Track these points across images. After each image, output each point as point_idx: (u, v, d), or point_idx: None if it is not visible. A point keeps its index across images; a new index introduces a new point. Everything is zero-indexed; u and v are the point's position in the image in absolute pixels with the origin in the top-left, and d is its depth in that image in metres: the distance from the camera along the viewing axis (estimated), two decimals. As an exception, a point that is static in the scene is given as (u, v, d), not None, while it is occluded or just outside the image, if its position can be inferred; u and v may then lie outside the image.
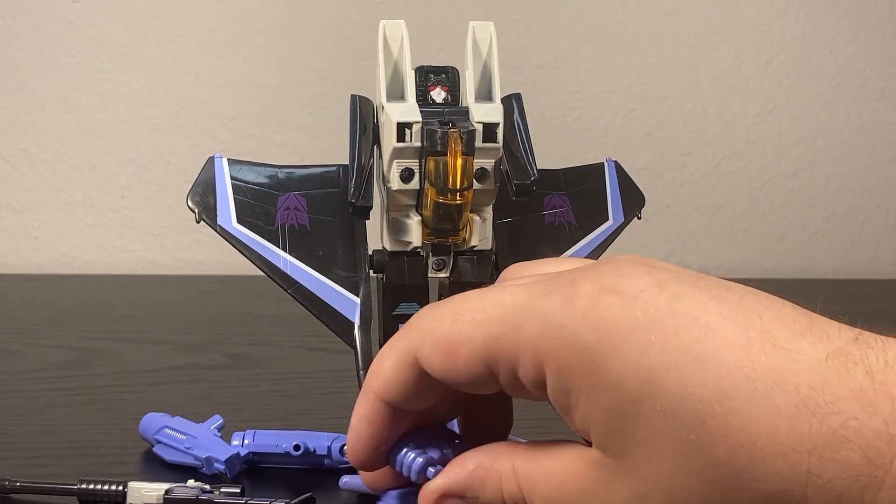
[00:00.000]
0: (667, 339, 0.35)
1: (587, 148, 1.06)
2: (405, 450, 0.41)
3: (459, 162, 0.50)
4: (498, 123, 0.51)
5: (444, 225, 0.52)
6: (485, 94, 0.53)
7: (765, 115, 1.10)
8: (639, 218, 0.59)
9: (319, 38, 1.02)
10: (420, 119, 0.51)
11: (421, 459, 0.41)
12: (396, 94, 0.53)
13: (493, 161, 0.52)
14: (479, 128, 0.51)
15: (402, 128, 0.51)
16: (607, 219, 0.58)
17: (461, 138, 0.49)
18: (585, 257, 0.57)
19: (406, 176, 0.52)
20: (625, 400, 0.35)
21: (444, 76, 0.53)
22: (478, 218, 0.53)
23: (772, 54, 1.09)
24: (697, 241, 1.10)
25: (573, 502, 0.37)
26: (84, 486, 0.51)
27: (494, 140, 0.51)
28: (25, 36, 1.00)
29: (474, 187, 0.51)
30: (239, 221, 0.54)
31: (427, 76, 0.53)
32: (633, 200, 0.60)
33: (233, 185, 0.55)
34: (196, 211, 0.54)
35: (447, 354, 0.38)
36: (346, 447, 0.46)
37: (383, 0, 1.01)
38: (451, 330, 0.38)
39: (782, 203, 1.11)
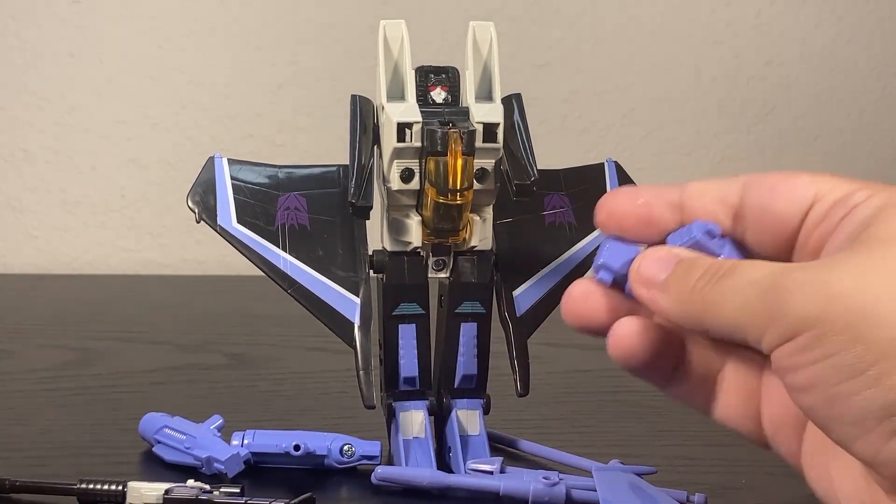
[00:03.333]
0: None
1: (587, 148, 1.06)
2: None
3: (459, 162, 0.50)
4: (498, 124, 0.51)
5: (444, 225, 0.52)
6: (485, 95, 0.53)
7: (765, 115, 1.10)
8: None
9: (319, 38, 1.02)
10: (420, 119, 0.51)
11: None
12: (397, 94, 0.53)
13: (494, 161, 0.52)
14: (480, 128, 0.51)
15: (403, 128, 0.51)
16: None
17: (461, 138, 0.49)
18: (584, 259, 0.57)
19: (406, 176, 0.52)
20: None
21: (444, 76, 0.53)
22: (478, 218, 0.53)
23: (772, 54, 1.09)
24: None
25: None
26: (84, 485, 0.51)
27: (494, 140, 0.51)
28: (25, 36, 1.00)
29: (474, 187, 0.51)
30: (239, 221, 0.54)
31: (427, 76, 0.53)
32: None
33: (233, 185, 0.55)
34: (196, 211, 0.54)
35: None
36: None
37: (384, 0, 1.00)
38: None
39: (782, 203, 1.11)
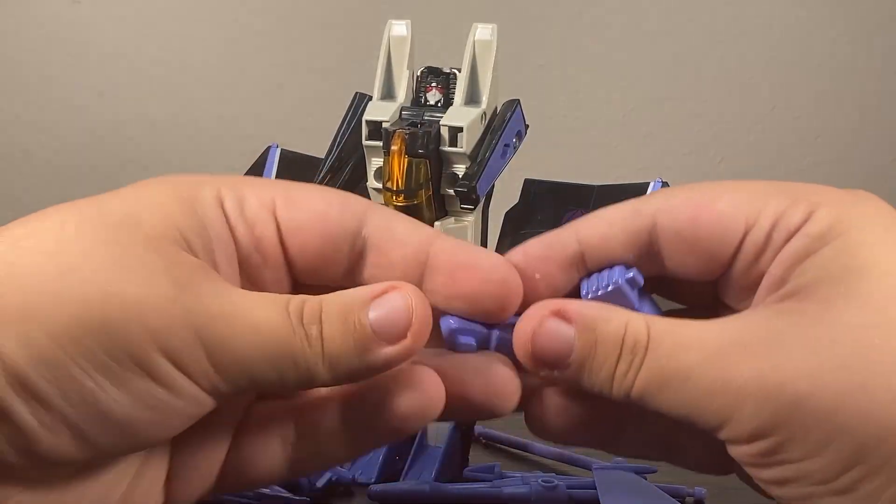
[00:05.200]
0: None
1: (587, 148, 1.06)
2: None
3: (396, 161, 0.49)
4: (461, 128, 0.50)
5: None
6: (474, 97, 0.52)
7: (765, 115, 1.10)
8: None
9: (320, 38, 1.02)
10: (388, 119, 0.51)
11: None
12: (392, 93, 0.53)
13: (464, 167, 0.51)
14: (445, 131, 0.50)
15: (375, 126, 0.51)
16: None
17: (403, 139, 0.49)
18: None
19: (378, 174, 0.52)
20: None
21: (441, 78, 0.53)
22: (438, 224, 0.52)
23: (772, 54, 1.09)
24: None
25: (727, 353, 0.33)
26: None
27: (457, 145, 0.50)
28: (25, 36, 1.00)
29: (448, 192, 0.51)
30: None
31: (427, 77, 0.53)
32: None
33: (276, 171, 0.56)
34: None
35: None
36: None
37: (385, 0, 1.01)
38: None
39: (782, 203, 1.11)
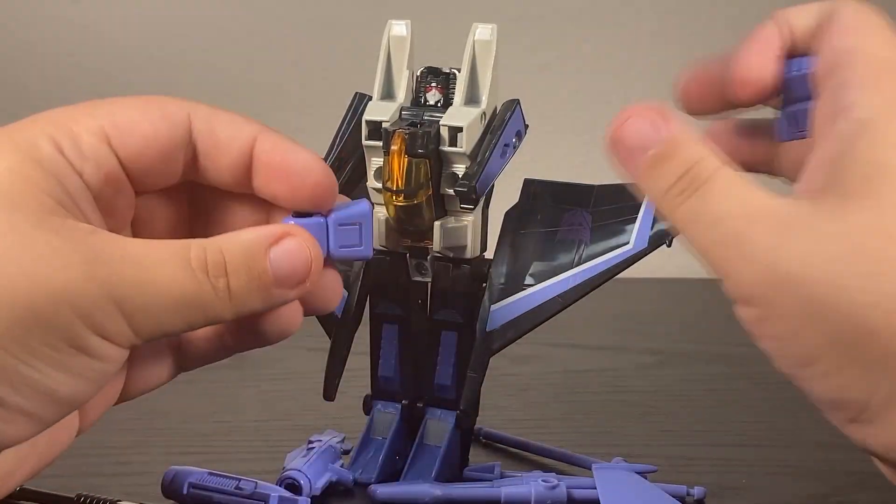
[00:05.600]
0: None
1: (587, 148, 1.06)
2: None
3: (396, 161, 0.49)
4: (460, 128, 0.50)
5: (406, 227, 0.52)
6: (475, 97, 0.52)
7: (765, 115, 1.10)
8: (668, 246, 0.52)
9: (320, 38, 1.02)
10: (388, 118, 0.51)
11: None
12: (392, 93, 0.53)
13: (464, 167, 0.51)
14: (445, 131, 0.50)
15: (375, 126, 0.51)
16: (628, 243, 0.52)
17: (403, 139, 0.49)
18: (584, 281, 0.52)
19: (378, 174, 0.52)
20: None
21: (441, 78, 0.52)
22: (438, 224, 0.52)
23: (772, 54, 1.09)
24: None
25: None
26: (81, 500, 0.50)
27: (457, 144, 0.50)
28: (25, 36, 1.00)
29: (448, 192, 0.51)
30: None
31: (426, 77, 0.53)
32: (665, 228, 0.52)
33: None
34: None
35: None
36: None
37: (384, 1, 1.00)
38: None
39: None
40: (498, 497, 0.52)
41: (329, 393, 0.54)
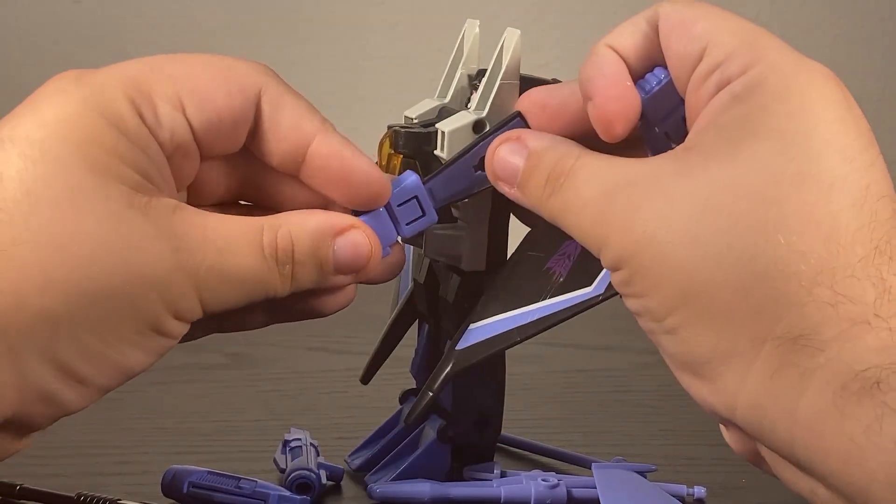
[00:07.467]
0: None
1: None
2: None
3: (382, 156, 0.50)
4: (443, 132, 0.49)
5: None
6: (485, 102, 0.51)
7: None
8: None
9: (320, 38, 1.03)
10: (414, 115, 0.51)
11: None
12: (446, 92, 0.52)
13: None
14: (441, 135, 0.49)
15: (408, 121, 0.52)
16: (589, 285, 0.48)
17: (390, 135, 0.49)
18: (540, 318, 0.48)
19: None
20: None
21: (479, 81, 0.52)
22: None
23: (772, 54, 1.09)
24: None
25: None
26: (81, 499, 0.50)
27: (440, 148, 0.49)
28: (26, 36, 1.00)
29: None
30: None
31: (476, 79, 0.52)
32: None
33: None
34: None
35: None
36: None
37: (383, 1, 1.01)
38: None
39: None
40: (498, 496, 0.52)
41: (365, 377, 0.56)
